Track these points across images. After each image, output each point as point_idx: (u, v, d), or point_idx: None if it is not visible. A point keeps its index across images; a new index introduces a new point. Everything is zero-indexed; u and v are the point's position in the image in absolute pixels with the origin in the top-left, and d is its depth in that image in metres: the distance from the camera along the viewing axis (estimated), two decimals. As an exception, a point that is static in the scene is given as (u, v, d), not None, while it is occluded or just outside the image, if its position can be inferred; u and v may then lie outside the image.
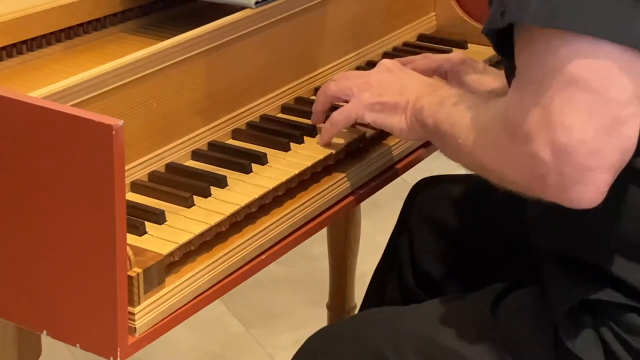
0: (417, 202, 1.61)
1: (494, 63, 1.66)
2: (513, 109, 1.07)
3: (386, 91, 1.35)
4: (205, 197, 1.26)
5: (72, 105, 1.19)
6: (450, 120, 1.22)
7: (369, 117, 1.36)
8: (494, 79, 1.50)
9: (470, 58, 1.54)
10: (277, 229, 1.28)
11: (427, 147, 1.51)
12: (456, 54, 1.56)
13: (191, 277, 1.18)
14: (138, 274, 1.11)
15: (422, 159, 1.53)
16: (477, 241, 1.52)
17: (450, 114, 1.22)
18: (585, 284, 1.18)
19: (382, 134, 1.47)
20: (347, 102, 1.40)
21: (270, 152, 1.38)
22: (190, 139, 1.38)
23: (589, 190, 1.03)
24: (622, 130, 1.02)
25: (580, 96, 1.01)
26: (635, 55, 1.01)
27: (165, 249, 1.16)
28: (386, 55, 1.71)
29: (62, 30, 1.46)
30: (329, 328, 1.43)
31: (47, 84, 1.20)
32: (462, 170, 1.28)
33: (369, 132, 1.45)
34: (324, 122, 1.42)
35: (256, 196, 1.27)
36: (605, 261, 1.17)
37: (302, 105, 1.52)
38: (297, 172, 1.33)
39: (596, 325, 1.17)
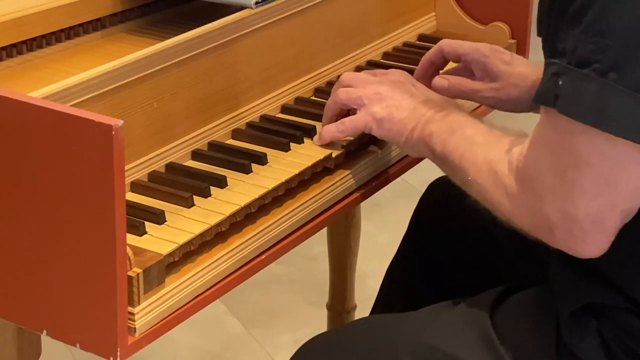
0: (430, 201, 1.61)
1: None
2: (529, 164, 1.14)
3: (396, 108, 1.35)
4: (205, 197, 1.26)
5: (72, 105, 1.19)
6: (460, 153, 1.25)
7: (377, 132, 1.37)
8: (522, 67, 1.50)
9: (496, 48, 1.53)
10: (277, 229, 1.28)
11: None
12: (484, 44, 1.54)
13: (191, 277, 1.18)
14: (138, 274, 1.11)
15: (422, 159, 1.53)
16: (491, 242, 1.51)
17: (460, 146, 1.25)
18: (590, 286, 1.18)
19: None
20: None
21: (270, 152, 1.38)
22: (190, 139, 1.38)
23: (592, 248, 1.12)
24: (625, 207, 1.10)
25: (589, 179, 1.09)
26: None
27: (165, 249, 1.15)
28: (386, 55, 1.71)
29: (62, 30, 1.46)
30: (324, 335, 1.42)
31: (47, 84, 1.20)
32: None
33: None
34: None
35: (256, 196, 1.27)
36: (607, 267, 1.17)
37: (302, 106, 1.52)
38: (297, 172, 1.33)
39: (600, 329, 1.17)
